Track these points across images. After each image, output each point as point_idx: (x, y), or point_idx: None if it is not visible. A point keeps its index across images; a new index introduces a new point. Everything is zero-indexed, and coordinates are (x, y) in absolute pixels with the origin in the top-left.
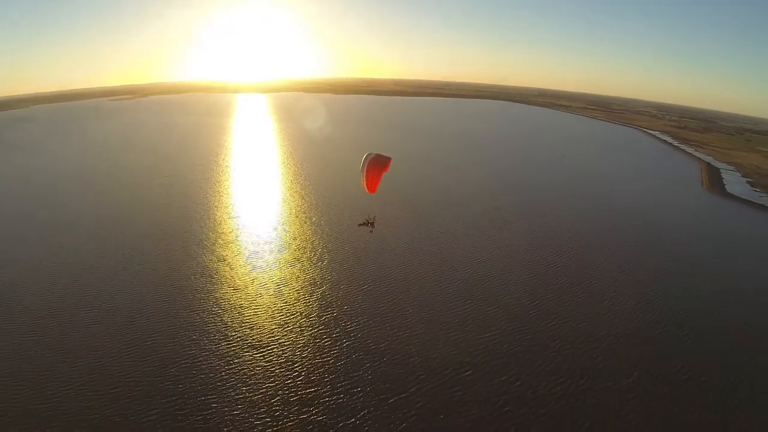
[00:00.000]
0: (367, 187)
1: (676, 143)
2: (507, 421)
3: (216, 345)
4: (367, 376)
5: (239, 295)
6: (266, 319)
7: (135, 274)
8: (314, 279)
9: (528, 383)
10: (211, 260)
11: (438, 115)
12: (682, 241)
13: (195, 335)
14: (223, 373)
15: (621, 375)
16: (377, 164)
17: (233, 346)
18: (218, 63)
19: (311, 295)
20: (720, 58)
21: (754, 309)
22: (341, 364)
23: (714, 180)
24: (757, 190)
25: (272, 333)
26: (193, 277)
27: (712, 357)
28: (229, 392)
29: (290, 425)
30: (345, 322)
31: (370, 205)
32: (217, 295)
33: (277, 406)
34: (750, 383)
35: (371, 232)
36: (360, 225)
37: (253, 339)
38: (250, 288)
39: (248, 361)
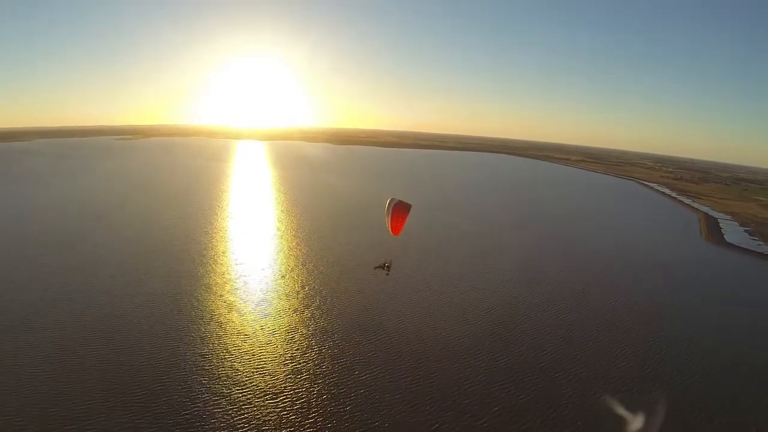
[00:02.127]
0: (392, 230)
1: (673, 194)
2: None
3: (228, 390)
4: (384, 425)
5: (250, 341)
6: (278, 366)
7: (144, 317)
8: (325, 327)
9: None
10: (220, 306)
11: (438, 167)
12: (686, 290)
13: (206, 380)
14: (236, 419)
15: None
16: (401, 209)
17: (246, 393)
18: (221, 109)
19: (323, 343)
20: (713, 110)
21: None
22: (357, 414)
23: (713, 230)
24: (755, 238)
25: (284, 380)
26: (202, 322)
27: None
28: None
29: None
30: (358, 371)
31: (378, 252)
32: (227, 341)
33: None
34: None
35: (387, 275)
36: (376, 268)
37: (266, 386)
38: (260, 335)
39: (261, 407)
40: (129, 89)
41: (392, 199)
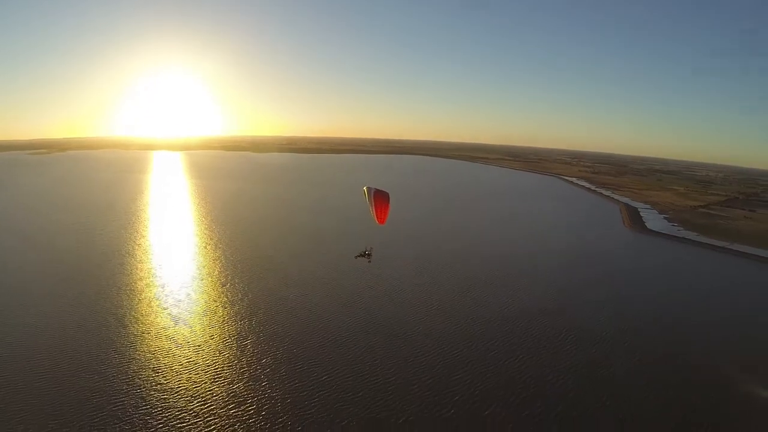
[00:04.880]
0: (378, 219)
1: (593, 187)
2: None
3: (189, 404)
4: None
5: (203, 352)
6: (235, 373)
7: (88, 339)
8: (276, 331)
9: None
10: (165, 319)
11: (359, 170)
12: (615, 277)
13: (165, 396)
14: None
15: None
16: (382, 198)
17: (208, 404)
18: (136, 121)
19: (276, 347)
20: (625, 105)
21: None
22: (323, 414)
23: (634, 219)
24: (675, 224)
25: (245, 388)
26: (150, 338)
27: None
28: None
29: None
30: (316, 372)
31: (317, 258)
32: (180, 353)
33: None
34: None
35: (369, 262)
36: (357, 257)
37: (227, 395)
38: (212, 344)
39: (227, 417)
40: (41, 103)
41: (369, 188)
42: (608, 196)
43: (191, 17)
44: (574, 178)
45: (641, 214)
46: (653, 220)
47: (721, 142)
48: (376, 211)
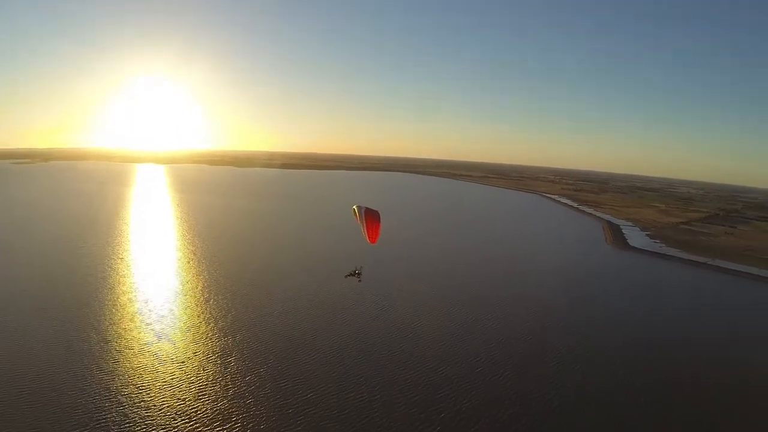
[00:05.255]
0: (370, 238)
1: (576, 205)
2: None
3: (174, 421)
4: None
5: (186, 368)
6: (219, 390)
7: (70, 355)
8: (259, 349)
9: None
10: (148, 335)
11: (340, 188)
12: (598, 295)
13: (148, 413)
14: None
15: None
16: (373, 217)
17: (192, 422)
18: (120, 131)
19: (261, 363)
20: (606, 123)
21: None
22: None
23: (616, 236)
24: (657, 241)
25: (230, 404)
26: (133, 354)
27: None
28: None
29: None
30: (301, 389)
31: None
32: (163, 369)
33: None
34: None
35: (359, 281)
36: (347, 276)
37: (212, 412)
38: (195, 361)
39: None
40: (24, 110)
41: (360, 207)
42: (591, 213)
43: (179, 23)
44: (557, 196)
45: (623, 231)
46: (635, 237)
47: (702, 159)
48: (368, 231)
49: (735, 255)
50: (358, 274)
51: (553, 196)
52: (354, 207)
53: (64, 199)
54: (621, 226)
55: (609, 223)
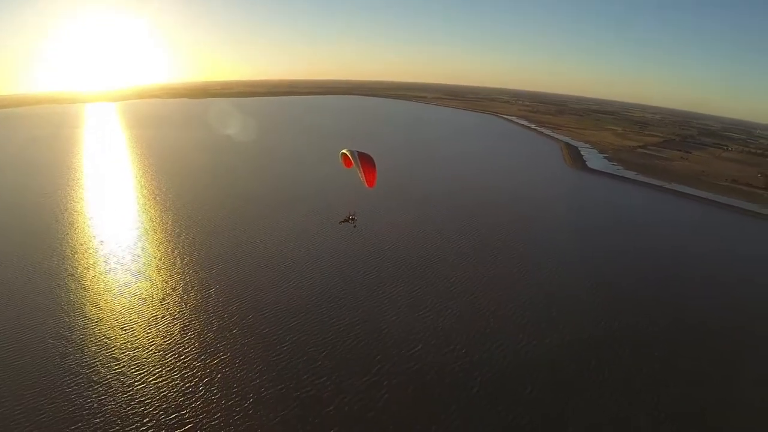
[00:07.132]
0: (368, 183)
1: (533, 126)
2: None
3: (163, 357)
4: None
5: (164, 306)
6: (201, 322)
7: (47, 329)
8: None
9: None
10: (122, 274)
11: (301, 112)
12: (561, 213)
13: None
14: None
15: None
16: (368, 161)
17: (182, 357)
18: (66, 73)
19: (242, 294)
20: (563, 45)
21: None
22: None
23: (575, 158)
24: (615, 163)
25: (216, 336)
26: (110, 293)
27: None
28: None
29: None
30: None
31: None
32: (143, 308)
33: None
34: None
35: (354, 227)
36: (341, 222)
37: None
38: (175, 297)
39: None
40: None
41: (352, 152)
42: (549, 135)
43: None
44: (514, 117)
45: (582, 153)
46: (594, 159)
47: (658, 86)
48: (365, 175)
49: (690, 179)
50: (353, 219)
51: (510, 117)
52: (345, 151)
53: (16, 146)
54: (579, 148)
55: (567, 144)
